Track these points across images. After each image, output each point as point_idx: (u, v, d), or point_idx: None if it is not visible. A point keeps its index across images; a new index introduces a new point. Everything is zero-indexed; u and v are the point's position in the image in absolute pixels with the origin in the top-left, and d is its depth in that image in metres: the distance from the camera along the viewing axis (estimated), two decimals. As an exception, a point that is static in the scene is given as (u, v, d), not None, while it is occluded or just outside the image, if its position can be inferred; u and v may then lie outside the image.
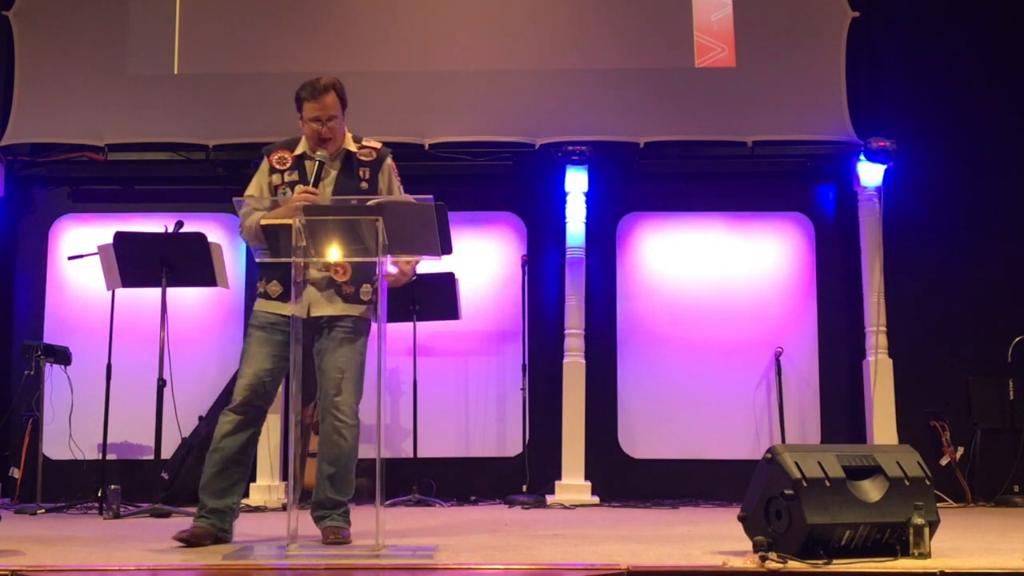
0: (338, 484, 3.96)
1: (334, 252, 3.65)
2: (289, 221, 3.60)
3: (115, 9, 6.67)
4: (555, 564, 3.37)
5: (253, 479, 6.20)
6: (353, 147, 4.10)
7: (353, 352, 3.99)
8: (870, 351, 6.37)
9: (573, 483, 6.22)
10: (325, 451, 3.97)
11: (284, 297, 3.95)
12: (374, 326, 4.03)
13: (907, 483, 3.43)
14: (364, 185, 4.05)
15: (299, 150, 4.08)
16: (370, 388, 4.05)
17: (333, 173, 4.06)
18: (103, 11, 6.67)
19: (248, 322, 4.10)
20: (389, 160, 4.14)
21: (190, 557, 3.53)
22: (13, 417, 6.38)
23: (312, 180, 3.91)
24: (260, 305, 4.05)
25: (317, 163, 3.95)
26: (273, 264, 3.92)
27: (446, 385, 6.63)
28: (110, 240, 5.61)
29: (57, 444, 6.21)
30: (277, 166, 4.06)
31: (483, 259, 6.61)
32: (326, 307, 3.98)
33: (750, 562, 3.22)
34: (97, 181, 6.87)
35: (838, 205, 6.79)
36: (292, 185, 4.00)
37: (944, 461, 6.36)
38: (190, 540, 3.81)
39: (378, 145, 4.15)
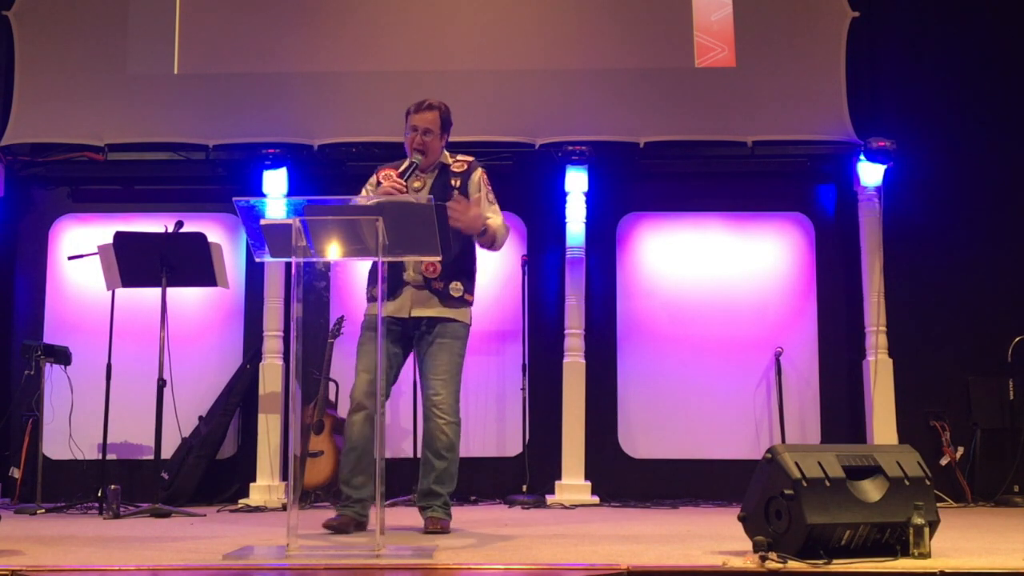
0: (442, 477, 4.37)
1: (334, 251, 3.66)
2: (289, 221, 3.63)
3: (115, 9, 6.67)
4: (555, 564, 3.37)
5: (253, 479, 6.21)
6: (448, 160, 4.54)
7: (451, 354, 4.38)
8: (870, 351, 6.37)
9: (573, 483, 6.22)
10: (430, 445, 4.37)
11: (384, 298, 4.36)
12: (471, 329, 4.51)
13: (907, 483, 3.43)
14: (456, 192, 4.42)
15: (402, 168, 4.40)
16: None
17: (428, 182, 4.46)
18: (103, 11, 6.67)
19: (362, 324, 4.48)
20: (480, 171, 4.54)
21: (190, 557, 3.53)
22: (13, 417, 6.38)
23: (403, 174, 4.28)
24: (368, 308, 4.48)
25: (409, 162, 4.34)
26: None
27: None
28: (110, 240, 5.61)
29: (57, 444, 6.21)
30: (383, 181, 4.42)
31: (483, 259, 6.57)
32: (424, 309, 4.37)
33: (750, 562, 3.22)
34: (97, 181, 6.87)
35: (838, 205, 6.79)
36: None
37: (944, 461, 6.36)
38: (338, 527, 4.23)
39: (470, 159, 4.59)
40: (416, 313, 4.36)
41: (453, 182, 4.46)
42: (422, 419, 4.50)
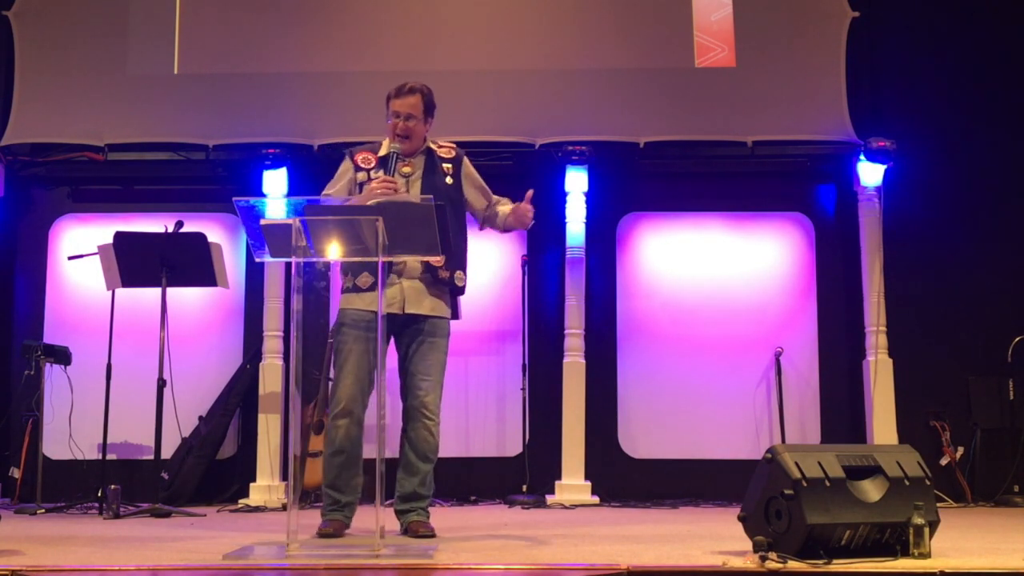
0: (427, 480, 4.25)
1: (334, 251, 3.66)
2: (289, 221, 3.63)
3: (115, 9, 6.67)
4: (555, 564, 3.37)
5: (253, 479, 6.21)
6: (433, 146, 4.38)
7: (440, 354, 4.26)
8: (870, 351, 6.37)
9: (573, 483, 6.22)
10: (417, 448, 4.21)
11: (375, 287, 4.02)
12: (452, 324, 4.33)
13: (907, 483, 3.43)
14: (449, 180, 4.33)
15: (382, 152, 4.32)
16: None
17: (419, 172, 4.31)
18: (103, 11, 6.67)
19: (339, 320, 4.23)
20: (467, 159, 4.45)
21: (190, 557, 3.53)
22: (13, 417, 6.38)
23: (389, 171, 4.16)
24: (349, 302, 4.22)
25: (392, 155, 4.21)
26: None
27: (446, 385, 6.57)
28: (110, 240, 5.61)
29: (57, 444, 6.21)
30: (362, 165, 4.32)
31: (483, 259, 6.59)
32: (418, 306, 4.19)
33: (750, 562, 3.22)
34: (97, 181, 6.87)
35: (838, 205, 6.79)
36: None
37: (944, 461, 6.36)
38: (332, 533, 4.10)
39: (453, 144, 4.47)
40: (410, 310, 4.17)
41: (444, 167, 4.34)
42: (401, 418, 4.31)
